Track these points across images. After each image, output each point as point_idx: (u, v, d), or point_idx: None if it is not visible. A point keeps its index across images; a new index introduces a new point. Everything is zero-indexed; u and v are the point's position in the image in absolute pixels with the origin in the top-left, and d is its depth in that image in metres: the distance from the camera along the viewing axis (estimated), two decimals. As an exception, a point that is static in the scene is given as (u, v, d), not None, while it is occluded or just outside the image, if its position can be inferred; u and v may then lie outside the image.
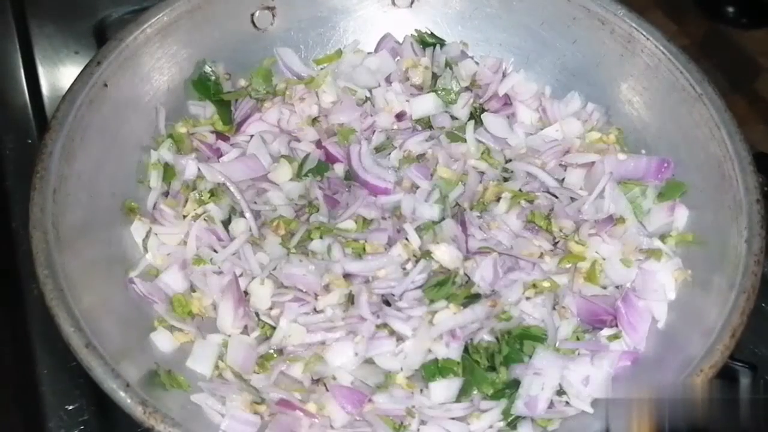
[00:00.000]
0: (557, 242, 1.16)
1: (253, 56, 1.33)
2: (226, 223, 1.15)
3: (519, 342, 1.05)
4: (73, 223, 1.02)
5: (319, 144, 1.27)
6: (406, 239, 1.12)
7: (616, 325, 1.08)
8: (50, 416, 1.15)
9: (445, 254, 1.09)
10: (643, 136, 1.25)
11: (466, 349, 1.04)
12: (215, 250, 1.12)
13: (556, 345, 1.06)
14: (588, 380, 1.00)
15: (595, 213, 1.16)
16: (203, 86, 1.28)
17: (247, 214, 1.14)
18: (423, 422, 0.99)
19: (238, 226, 1.14)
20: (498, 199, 1.18)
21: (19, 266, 1.29)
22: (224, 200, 1.16)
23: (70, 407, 1.16)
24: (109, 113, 1.13)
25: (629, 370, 1.03)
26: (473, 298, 1.06)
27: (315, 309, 1.07)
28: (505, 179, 1.23)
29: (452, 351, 1.03)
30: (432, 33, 1.39)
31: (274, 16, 1.33)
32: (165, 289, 1.10)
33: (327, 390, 1.01)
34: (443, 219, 1.15)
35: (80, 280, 0.97)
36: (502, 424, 1.00)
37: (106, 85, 1.12)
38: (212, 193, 1.17)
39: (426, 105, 1.30)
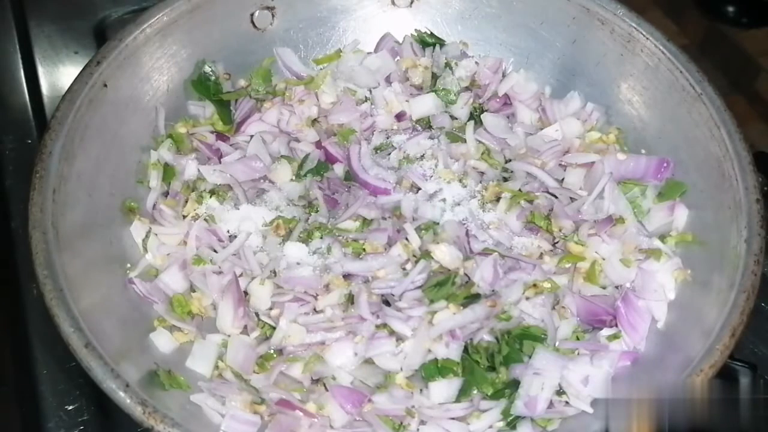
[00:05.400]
0: (557, 242, 1.16)
1: (253, 56, 1.33)
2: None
3: (519, 342, 1.05)
4: (73, 223, 1.02)
5: (318, 144, 1.27)
6: (406, 239, 1.12)
7: (616, 325, 1.08)
8: (50, 416, 1.15)
9: (445, 255, 1.09)
10: (642, 135, 1.25)
11: (466, 349, 1.04)
12: (215, 250, 1.12)
13: (556, 345, 1.06)
14: (588, 380, 1.00)
15: (594, 213, 1.16)
16: (203, 86, 1.28)
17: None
18: (423, 422, 0.99)
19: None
20: (498, 199, 1.18)
21: (18, 266, 1.29)
22: (224, 200, 1.17)
23: (70, 407, 1.16)
24: (108, 113, 1.13)
25: (629, 370, 1.03)
26: (473, 298, 1.06)
27: (315, 309, 1.07)
28: (505, 179, 1.22)
29: (452, 351, 1.03)
30: (432, 33, 1.39)
31: (273, 16, 1.33)
32: (165, 289, 1.10)
33: (327, 390, 1.01)
34: (445, 220, 1.15)
35: (80, 280, 0.97)
36: (501, 424, 1.00)
37: (105, 85, 1.12)
38: (212, 193, 1.17)
39: (426, 105, 1.30)
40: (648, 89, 1.24)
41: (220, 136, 1.26)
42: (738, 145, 1.09)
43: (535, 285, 1.10)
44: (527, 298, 1.09)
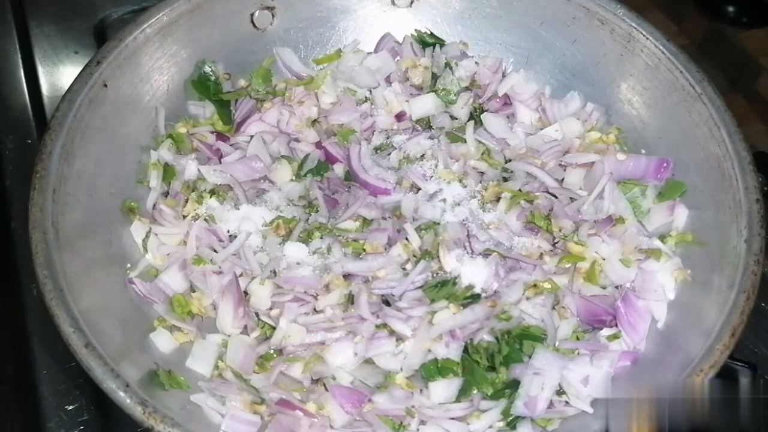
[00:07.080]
0: (557, 242, 1.16)
1: (253, 56, 1.33)
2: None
3: (519, 342, 1.05)
4: (73, 223, 1.02)
5: (318, 144, 1.27)
6: (406, 239, 1.12)
7: (616, 325, 1.08)
8: (50, 416, 1.15)
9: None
10: (642, 135, 1.25)
11: (466, 349, 1.04)
12: (215, 250, 1.12)
13: (556, 345, 1.06)
14: (588, 380, 1.00)
15: (594, 213, 1.16)
16: (203, 86, 1.28)
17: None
18: (423, 422, 0.99)
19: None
20: (498, 199, 1.18)
21: (18, 266, 1.29)
22: (225, 200, 1.16)
23: (70, 407, 1.16)
24: (108, 113, 1.13)
25: (629, 370, 1.03)
26: (473, 298, 1.06)
27: (315, 309, 1.07)
28: (505, 179, 1.22)
29: (452, 351, 1.03)
30: (432, 33, 1.39)
31: (273, 16, 1.33)
32: (165, 289, 1.10)
33: (327, 390, 1.01)
34: (446, 220, 1.15)
35: (80, 280, 0.97)
36: (501, 424, 1.00)
37: (105, 85, 1.12)
38: (212, 193, 1.17)
39: (426, 105, 1.30)
40: (648, 89, 1.24)
41: (220, 136, 1.26)
42: (738, 145, 1.09)
43: (535, 285, 1.10)
44: (527, 298, 1.09)
